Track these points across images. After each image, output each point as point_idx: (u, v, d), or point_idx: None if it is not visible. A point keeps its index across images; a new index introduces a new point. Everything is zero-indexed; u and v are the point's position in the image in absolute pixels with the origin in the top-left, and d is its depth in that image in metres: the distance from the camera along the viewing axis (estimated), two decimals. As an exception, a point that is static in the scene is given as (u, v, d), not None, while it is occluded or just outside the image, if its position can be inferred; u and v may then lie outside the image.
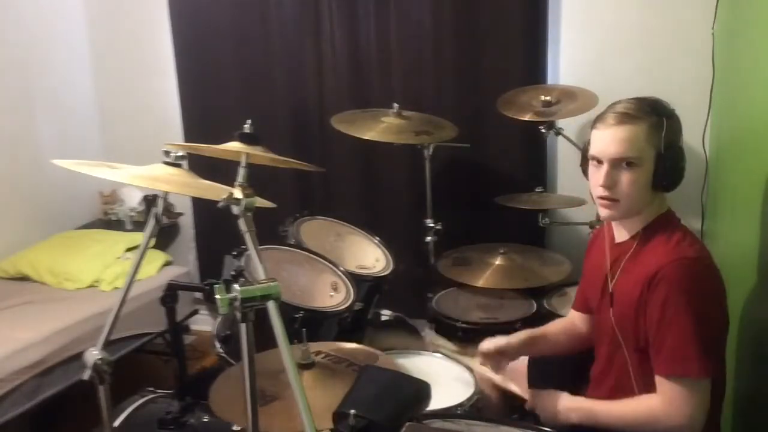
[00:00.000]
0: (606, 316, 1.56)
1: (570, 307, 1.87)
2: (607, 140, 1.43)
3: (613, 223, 1.57)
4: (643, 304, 1.42)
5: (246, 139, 1.36)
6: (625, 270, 1.51)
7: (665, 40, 2.61)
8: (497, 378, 1.79)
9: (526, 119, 2.42)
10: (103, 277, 2.89)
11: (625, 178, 1.43)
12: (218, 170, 1.37)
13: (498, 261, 2.50)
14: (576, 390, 1.62)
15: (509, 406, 1.79)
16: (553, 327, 1.85)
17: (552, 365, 1.81)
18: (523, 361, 1.82)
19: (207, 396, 1.46)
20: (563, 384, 1.63)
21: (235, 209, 1.16)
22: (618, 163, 1.43)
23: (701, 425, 1.39)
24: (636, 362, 1.50)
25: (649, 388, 1.45)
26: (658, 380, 1.41)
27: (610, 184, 1.44)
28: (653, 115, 1.42)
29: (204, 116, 3.27)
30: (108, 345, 1.34)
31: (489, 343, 1.77)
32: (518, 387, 1.73)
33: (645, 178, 1.42)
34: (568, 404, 1.54)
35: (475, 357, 1.84)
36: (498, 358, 1.75)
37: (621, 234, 1.55)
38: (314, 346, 1.58)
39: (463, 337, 2.25)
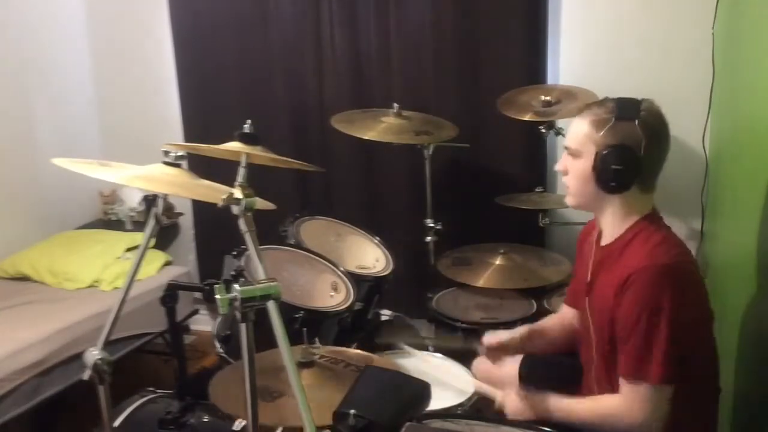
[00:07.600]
0: (585, 316, 1.58)
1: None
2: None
3: (601, 225, 1.56)
4: (615, 307, 1.42)
5: (246, 139, 1.37)
6: (605, 272, 1.51)
7: (665, 40, 2.61)
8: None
9: (526, 119, 2.42)
10: (103, 277, 2.89)
11: (570, 167, 1.51)
12: (218, 170, 1.37)
13: (498, 261, 2.49)
14: (567, 392, 1.61)
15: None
16: (549, 322, 1.85)
17: (543, 367, 1.80)
18: (514, 364, 1.81)
19: (207, 396, 1.46)
20: (555, 386, 1.63)
21: (235, 209, 1.16)
22: (568, 152, 1.50)
23: (658, 428, 1.39)
24: (601, 364, 1.52)
25: (611, 390, 1.46)
26: (620, 380, 1.42)
27: (562, 170, 1.53)
28: (606, 113, 1.42)
29: (204, 116, 3.27)
30: (108, 345, 1.34)
31: (492, 337, 1.77)
32: (489, 387, 1.70)
33: (583, 171, 1.46)
34: (531, 403, 1.54)
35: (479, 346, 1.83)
36: (499, 353, 1.75)
37: (606, 236, 1.54)
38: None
39: (463, 337, 2.24)
